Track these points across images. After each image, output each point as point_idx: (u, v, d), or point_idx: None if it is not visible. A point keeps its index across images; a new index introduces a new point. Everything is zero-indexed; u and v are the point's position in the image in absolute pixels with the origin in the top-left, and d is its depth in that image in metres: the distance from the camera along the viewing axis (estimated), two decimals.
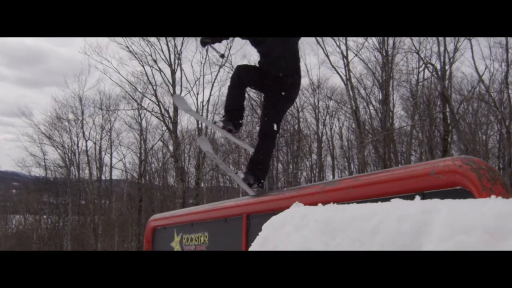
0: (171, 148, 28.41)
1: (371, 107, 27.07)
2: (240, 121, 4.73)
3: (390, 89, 24.24)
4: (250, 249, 2.29)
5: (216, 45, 5.06)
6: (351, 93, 22.65)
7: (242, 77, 4.59)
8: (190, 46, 26.95)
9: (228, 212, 5.53)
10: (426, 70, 26.86)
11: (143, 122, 31.87)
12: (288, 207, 4.74)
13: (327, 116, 32.78)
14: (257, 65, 4.73)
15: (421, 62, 26.64)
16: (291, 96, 4.70)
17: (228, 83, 4.80)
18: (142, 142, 32.13)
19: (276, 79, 4.51)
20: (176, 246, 6.65)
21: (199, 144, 5.74)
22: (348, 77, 22.65)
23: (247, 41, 4.71)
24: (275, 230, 2.10)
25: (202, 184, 29.22)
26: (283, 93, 4.49)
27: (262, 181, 4.82)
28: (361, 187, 3.71)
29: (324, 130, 33.14)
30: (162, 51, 25.25)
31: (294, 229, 1.92)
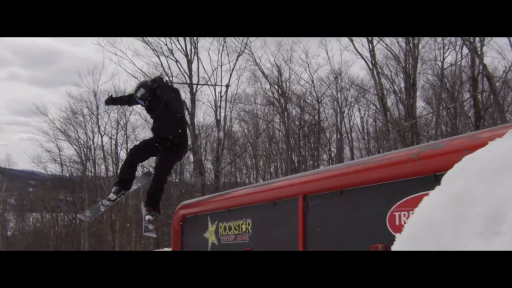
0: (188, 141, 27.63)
1: (392, 96, 25.95)
2: (129, 187, 5.88)
3: (417, 73, 23.07)
4: (413, 217, 1.37)
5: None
6: (376, 78, 21.55)
7: (135, 157, 5.79)
8: None
9: (278, 193, 4.61)
10: (450, 57, 25.71)
11: None
12: (365, 182, 3.81)
13: (346, 108, 31.65)
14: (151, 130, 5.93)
15: (446, 47, 25.48)
16: (180, 154, 5.89)
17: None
18: None
19: (166, 141, 5.53)
20: (210, 236, 5.75)
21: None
22: (373, 62, 21.57)
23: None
24: (488, 178, 1.14)
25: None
26: (172, 151, 5.59)
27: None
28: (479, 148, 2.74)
29: (343, 123, 32.01)
30: (178, 40, 24.38)
31: None
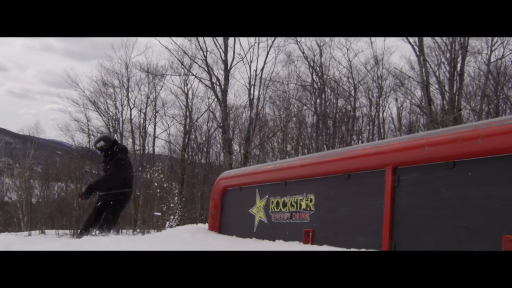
0: (218, 119, 26.77)
1: (432, 88, 24.53)
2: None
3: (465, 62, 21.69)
4: None
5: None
6: (422, 65, 20.19)
7: (90, 226, 6.22)
8: None
9: (355, 164, 3.68)
10: (497, 51, 24.26)
11: (189, 93, 30.36)
12: (499, 150, 2.82)
13: (381, 99, 30.29)
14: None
15: (496, 39, 24.01)
16: (123, 205, 6.50)
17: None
18: (187, 112, 30.61)
19: (118, 192, 6.21)
20: (258, 213, 4.88)
21: None
22: (420, 48, 20.20)
23: None
24: None
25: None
26: (117, 203, 6.29)
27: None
28: None
29: (376, 113, 30.71)
30: None
31: None
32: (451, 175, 2.90)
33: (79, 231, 6.60)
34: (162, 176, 28.11)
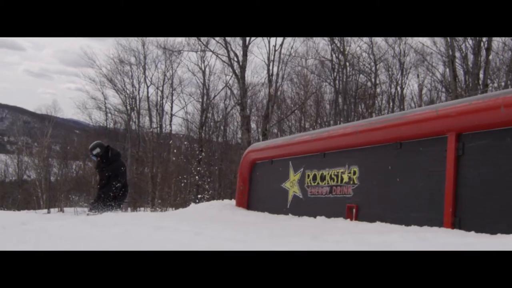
0: (236, 97, 26.30)
1: (457, 63, 23.67)
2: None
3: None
4: None
5: None
6: (448, 39, 19.40)
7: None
8: None
9: (409, 130, 3.25)
10: None
11: (206, 70, 29.90)
12: None
13: (401, 75, 29.48)
14: None
15: None
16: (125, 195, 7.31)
17: None
18: (204, 90, 30.24)
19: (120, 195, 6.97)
20: (292, 187, 4.50)
21: None
22: None
23: None
24: None
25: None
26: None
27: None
28: None
29: (396, 90, 29.96)
30: None
31: None
32: None
33: (90, 203, 7.06)
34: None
